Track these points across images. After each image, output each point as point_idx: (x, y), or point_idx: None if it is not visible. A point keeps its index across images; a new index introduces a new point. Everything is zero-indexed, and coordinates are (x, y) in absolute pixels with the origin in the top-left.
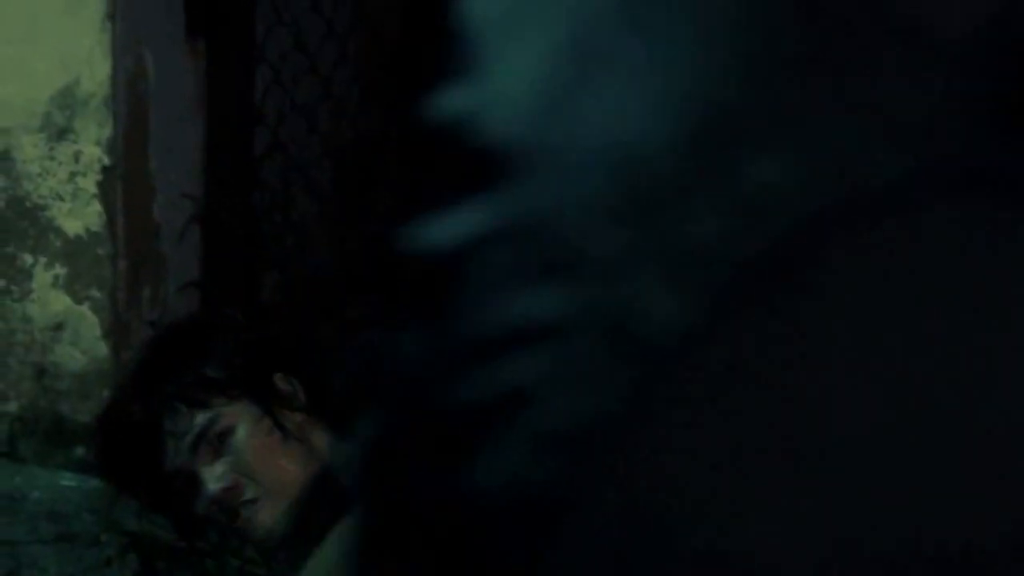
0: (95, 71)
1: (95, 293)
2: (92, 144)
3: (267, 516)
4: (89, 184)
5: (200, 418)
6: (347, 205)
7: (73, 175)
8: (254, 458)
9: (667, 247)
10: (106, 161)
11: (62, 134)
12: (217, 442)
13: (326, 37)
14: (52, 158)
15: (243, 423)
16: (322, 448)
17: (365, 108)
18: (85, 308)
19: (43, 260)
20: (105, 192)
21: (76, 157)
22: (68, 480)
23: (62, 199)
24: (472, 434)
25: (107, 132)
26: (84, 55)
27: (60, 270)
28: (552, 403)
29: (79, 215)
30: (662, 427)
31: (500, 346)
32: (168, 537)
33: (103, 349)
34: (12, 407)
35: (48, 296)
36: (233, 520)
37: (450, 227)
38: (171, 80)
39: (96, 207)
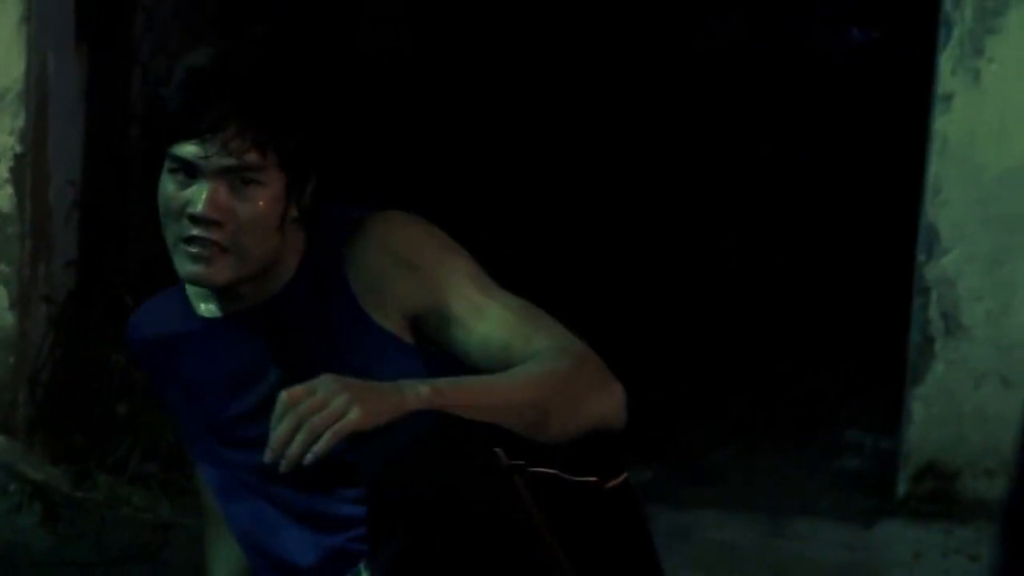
0: (11, 68)
1: (4, 268)
2: (6, 134)
3: (219, 268)
4: (2, 170)
5: (253, 157)
6: None
7: None
8: (255, 223)
9: None
10: (18, 149)
11: None
12: (241, 182)
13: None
14: None
15: (273, 192)
16: (288, 245)
17: None
18: None
19: None
20: (16, 177)
21: None
22: None
23: None
24: None
25: (20, 123)
26: (2, 54)
27: None
28: None
29: None
30: None
31: None
32: (67, 488)
33: (9, 319)
34: None
35: None
36: (187, 241)
37: None
38: (63, 79)
39: (8, 191)
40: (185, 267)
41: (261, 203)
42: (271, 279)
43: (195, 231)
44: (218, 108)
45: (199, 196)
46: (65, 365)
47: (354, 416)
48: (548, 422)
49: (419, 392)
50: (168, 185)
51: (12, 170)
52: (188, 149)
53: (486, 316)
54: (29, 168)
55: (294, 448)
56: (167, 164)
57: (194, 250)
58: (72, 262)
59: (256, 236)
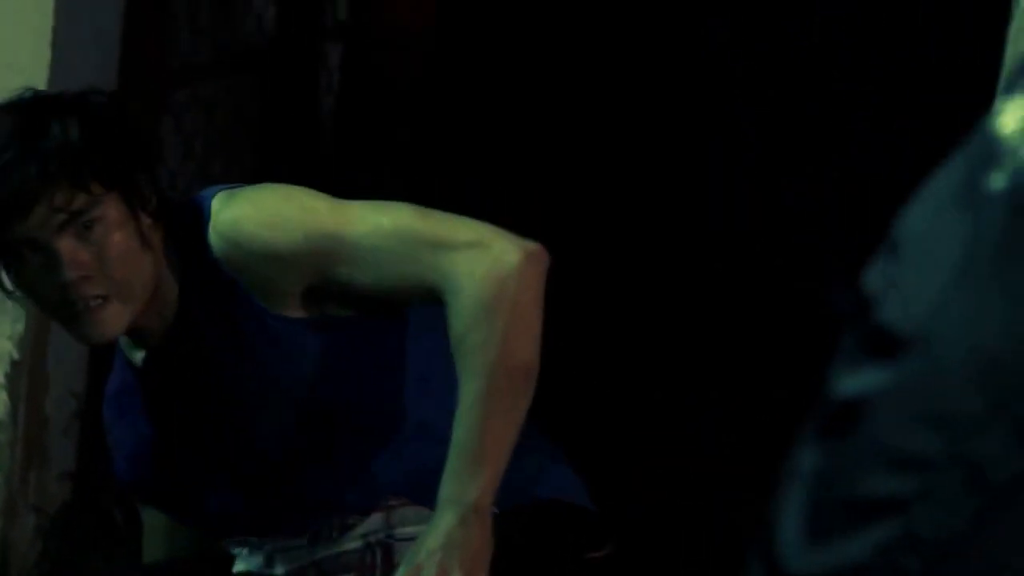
0: None
1: None
2: (5, 339)
3: (110, 319)
4: None
5: (80, 200)
6: None
7: None
8: (115, 256)
9: (1016, 418)
10: (15, 356)
11: None
12: (83, 228)
13: None
14: None
15: (114, 218)
16: (161, 256)
17: None
18: None
19: None
20: (11, 384)
21: None
22: None
23: None
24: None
25: (20, 329)
26: None
27: None
28: (919, 514)
29: None
30: (998, 535)
31: (888, 465)
32: None
33: None
34: None
35: None
36: (69, 308)
37: (860, 379)
38: None
39: (3, 397)
40: (81, 333)
41: (114, 233)
42: (164, 303)
43: (70, 296)
44: (27, 183)
45: (55, 264)
46: (52, 575)
47: None
48: (527, 356)
49: (473, 513)
50: (18, 271)
51: (7, 376)
52: (18, 230)
53: (360, 257)
54: (25, 375)
55: None
56: (3, 255)
57: (80, 312)
58: (68, 473)
59: (128, 266)
